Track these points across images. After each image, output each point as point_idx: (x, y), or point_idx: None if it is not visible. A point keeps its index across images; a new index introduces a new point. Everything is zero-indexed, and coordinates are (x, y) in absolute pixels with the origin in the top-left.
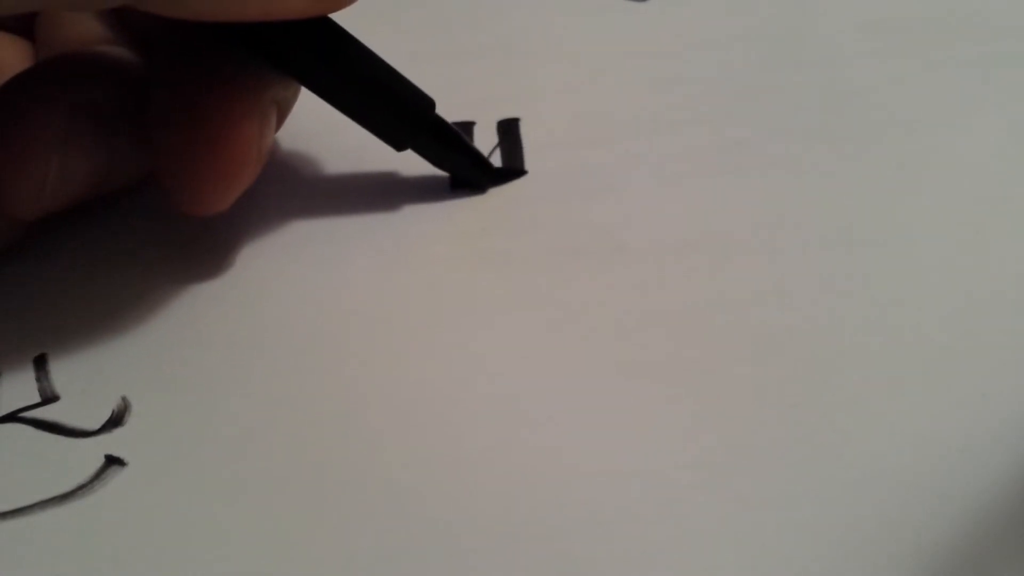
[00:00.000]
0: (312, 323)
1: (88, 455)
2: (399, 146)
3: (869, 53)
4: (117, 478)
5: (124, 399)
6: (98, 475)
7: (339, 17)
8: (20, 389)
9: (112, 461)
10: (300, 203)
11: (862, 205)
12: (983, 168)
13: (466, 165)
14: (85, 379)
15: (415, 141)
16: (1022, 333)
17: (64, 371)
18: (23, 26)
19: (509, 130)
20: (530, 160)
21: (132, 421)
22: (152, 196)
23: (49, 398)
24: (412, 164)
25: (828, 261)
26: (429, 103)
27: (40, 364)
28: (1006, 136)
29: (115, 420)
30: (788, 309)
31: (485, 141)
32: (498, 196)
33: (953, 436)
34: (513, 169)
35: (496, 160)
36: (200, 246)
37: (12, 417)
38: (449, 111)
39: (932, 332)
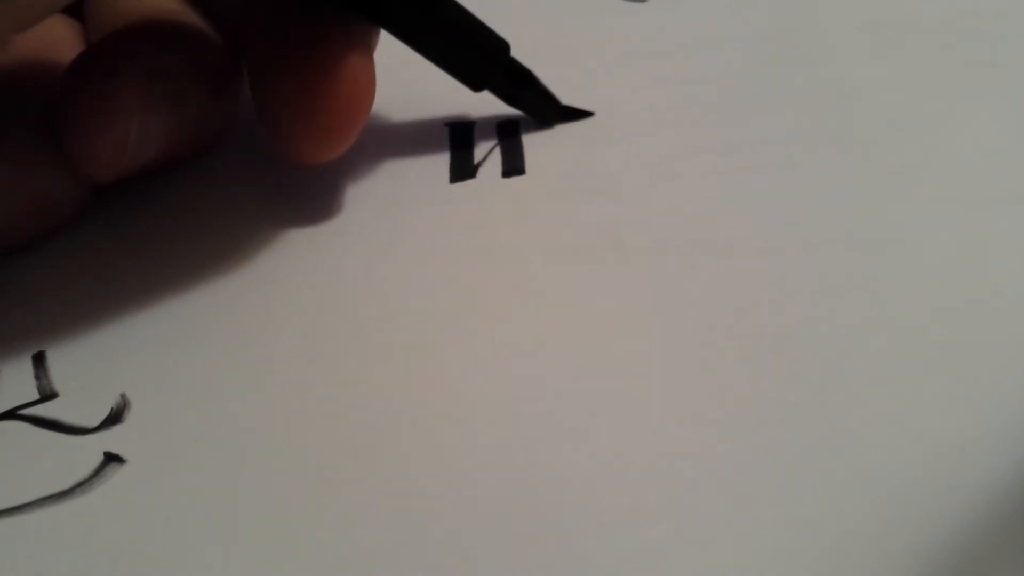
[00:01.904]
0: (310, 319)
1: (87, 452)
2: (476, 87)
3: (869, 53)
4: (116, 475)
5: (123, 396)
6: (97, 472)
7: None
8: (19, 386)
9: (111, 458)
10: (297, 198)
11: (862, 205)
12: (984, 168)
13: (537, 103)
14: (84, 376)
15: (491, 82)
16: (1022, 333)
17: (63, 368)
18: (71, 5)
19: (509, 129)
20: (529, 159)
21: (131, 418)
22: (146, 196)
23: (48, 395)
24: (411, 158)
25: (828, 260)
26: (504, 45)
27: (39, 361)
28: (1007, 136)
29: (114, 417)
30: (788, 308)
31: (485, 140)
32: (497, 192)
33: (953, 436)
34: (579, 110)
35: (496, 160)
36: (198, 243)
37: (11, 414)
38: (449, 110)
39: (932, 332)
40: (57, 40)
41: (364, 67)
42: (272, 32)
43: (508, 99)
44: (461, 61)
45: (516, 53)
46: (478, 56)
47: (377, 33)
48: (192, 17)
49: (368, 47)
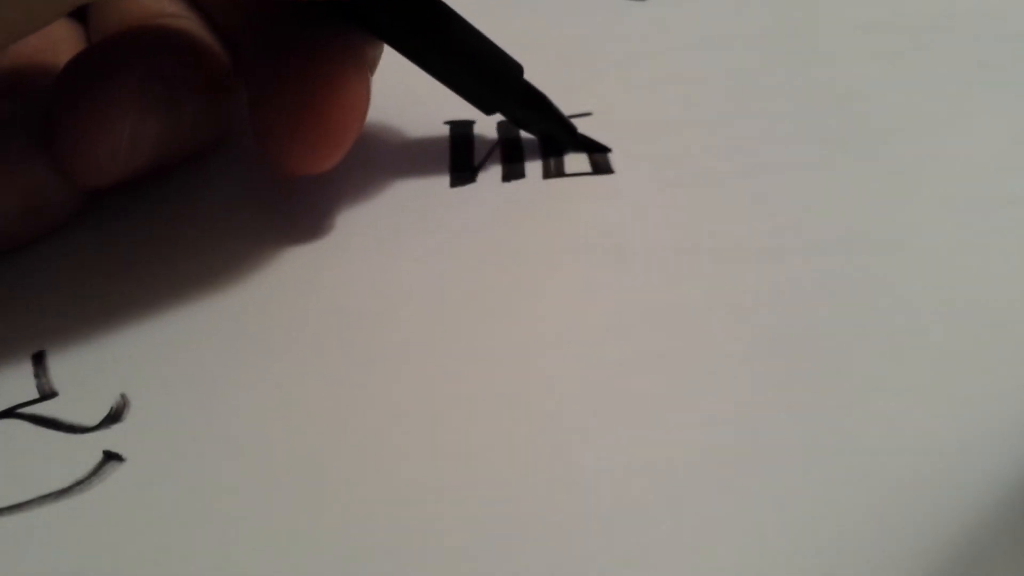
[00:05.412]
0: (310, 320)
1: (86, 451)
2: (488, 110)
3: (869, 53)
4: (115, 474)
5: (123, 395)
6: (96, 471)
7: None
8: (18, 385)
9: (110, 457)
10: (297, 201)
11: (862, 206)
12: (985, 168)
13: (552, 129)
14: (84, 376)
15: (504, 106)
16: (1022, 333)
17: (63, 368)
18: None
19: (510, 130)
20: (529, 161)
21: (130, 417)
22: (148, 196)
23: (47, 394)
24: (411, 160)
25: (828, 260)
26: (518, 68)
27: (39, 361)
28: (1007, 137)
29: (113, 416)
30: (788, 309)
31: (485, 141)
32: (497, 194)
33: (953, 436)
34: (596, 143)
35: (496, 162)
36: (198, 243)
37: (10, 413)
38: (449, 111)
39: (933, 332)
40: (57, 42)
41: (356, 86)
42: (270, 46)
43: (521, 124)
44: (472, 84)
45: (516, 52)
46: (490, 79)
47: (380, 47)
48: (192, 25)
49: (364, 64)
